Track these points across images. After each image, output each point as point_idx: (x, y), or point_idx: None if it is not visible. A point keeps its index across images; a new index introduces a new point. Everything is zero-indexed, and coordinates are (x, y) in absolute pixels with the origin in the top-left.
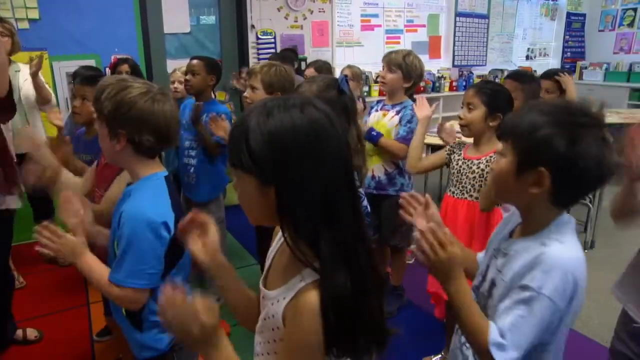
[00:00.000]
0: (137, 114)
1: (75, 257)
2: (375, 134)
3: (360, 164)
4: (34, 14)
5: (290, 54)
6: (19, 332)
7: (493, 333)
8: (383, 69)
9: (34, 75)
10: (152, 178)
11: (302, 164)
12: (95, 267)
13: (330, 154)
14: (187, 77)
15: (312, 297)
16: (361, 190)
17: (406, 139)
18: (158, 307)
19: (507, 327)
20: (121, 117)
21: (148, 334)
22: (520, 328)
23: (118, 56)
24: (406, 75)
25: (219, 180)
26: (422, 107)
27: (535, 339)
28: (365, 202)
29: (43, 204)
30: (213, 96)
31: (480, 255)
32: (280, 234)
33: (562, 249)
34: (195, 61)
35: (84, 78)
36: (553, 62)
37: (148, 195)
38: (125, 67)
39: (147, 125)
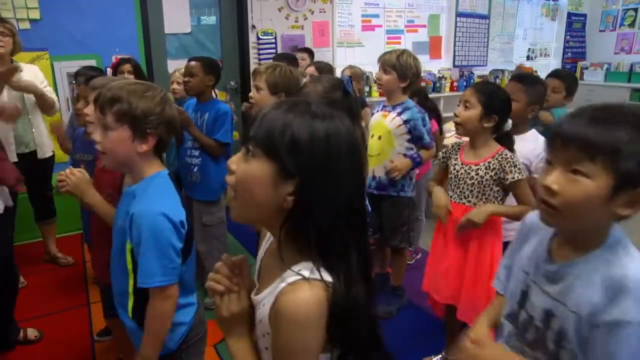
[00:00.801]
0: (169, 114)
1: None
2: (416, 157)
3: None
4: (35, 14)
5: (291, 55)
6: (20, 333)
7: None
8: (379, 71)
9: (33, 94)
10: (157, 177)
11: (340, 165)
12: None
13: (358, 164)
14: (186, 78)
15: (295, 297)
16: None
17: (430, 143)
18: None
19: None
20: (155, 119)
21: None
22: None
23: (119, 56)
24: (401, 75)
25: (221, 180)
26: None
27: None
28: (366, 202)
29: (44, 205)
30: (214, 96)
31: (499, 282)
32: (267, 236)
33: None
34: (192, 62)
35: (89, 79)
36: (554, 62)
37: (158, 193)
38: (127, 67)
39: (173, 125)
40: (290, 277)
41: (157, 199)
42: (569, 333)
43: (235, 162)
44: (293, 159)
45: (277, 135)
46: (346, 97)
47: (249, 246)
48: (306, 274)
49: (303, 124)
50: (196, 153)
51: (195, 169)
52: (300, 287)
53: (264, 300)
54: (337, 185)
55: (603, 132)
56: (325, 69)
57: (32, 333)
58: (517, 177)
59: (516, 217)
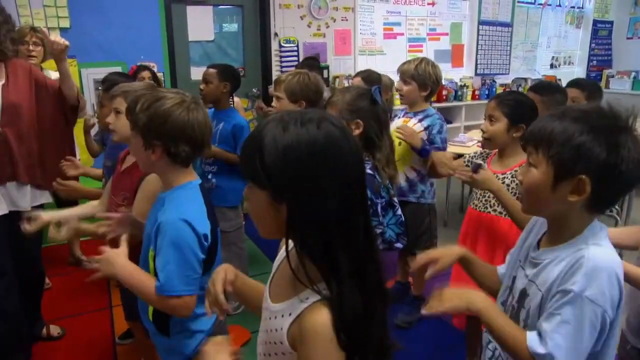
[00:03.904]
0: (173, 125)
1: (115, 270)
2: (428, 148)
3: (393, 173)
4: (65, 23)
5: (311, 62)
6: (43, 328)
7: (532, 342)
8: (399, 81)
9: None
10: (187, 187)
11: (319, 181)
12: (142, 280)
13: (347, 169)
14: (201, 86)
15: (320, 318)
16: (395, 199)
17: (441, 148)
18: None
19: (550, 334)
20: (156, 129)
21: (175, 338)
22: (564, 335)
23: (144, 63)
24: (421, 85)
25: (238, 187)
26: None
27: (584, 347)
28: (399, 212)
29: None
30: (231, 103)
31: (501, 269)
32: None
33: (602, 252)
34: (209, 70)
35: (110, 86)
36: (578, 70)
37: (186, 204)
38: (147, 74)
39: (183, 136)
40: (312, 296)
41: (182, 207)
42: (532, 310)
43: (246, 193)
44: (273, 183)
45: (255, 164)
46: (374, 106)
47: (268, 253)
48: (326, 293)
49: (271, 143)
50: (209, 161)
51: (210, 176)
52: (322, 309)
53: (283, 311)
54: (320, 196)
55: (542, 127)
56: (373, 77)
57: (54, 330)
58: None
59: (511, 211)
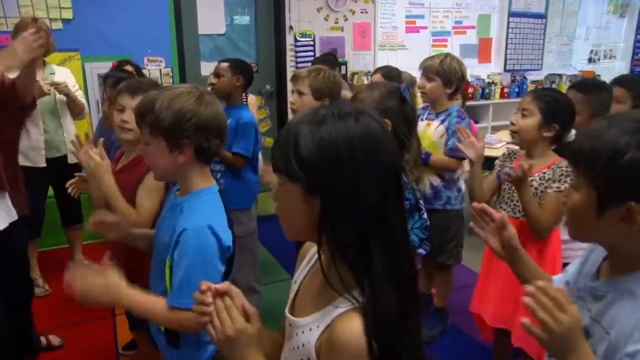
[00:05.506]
0: (200, 120)
1: (114, 299)
2: (423, 155)
3: (420, 174)
4: (68, 14)
5: (330, 58)
6: (43, 339)
7: None
8: (421, 78)
9: (66, 95)
10: (207, 192)
11: (356, 174)
12: (145, 300)
13: (385, 164)
14: (213, 80)
15: (351, 327)
16: (421, 202)
17: (454, 151)
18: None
19: None
20: (185, 127)
21: (185, 350)
22: None
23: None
24: (446, 81)
25: (248, 189)
26: (470, 147)
27: None
28: (425, 215)
29: (71, 210)
30: (245, 98)
31: (558, 281)
32: (309, 255)
33: None
34: (221, 64)
35: (117, 82)
36: (620, 65)
37: (209, 210)
38: (129, 68)
39: (213, 129)
40: (344, 303)
41: (207, 214)
42: (599, 356)
43: (276, 191)
44: (308, 175)
45: (289, 156)
46: (403, 104)
47: (282, 259)
48: (360, 299)
49: (308, 135)
50: (216, 159)
51: (219, 176)
52: (354, 316)
53: (311, 324)
54: (356, 190)
55: (585, 140)
56: (393, 74)
57: (55, 340)
58: (563, 188)
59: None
